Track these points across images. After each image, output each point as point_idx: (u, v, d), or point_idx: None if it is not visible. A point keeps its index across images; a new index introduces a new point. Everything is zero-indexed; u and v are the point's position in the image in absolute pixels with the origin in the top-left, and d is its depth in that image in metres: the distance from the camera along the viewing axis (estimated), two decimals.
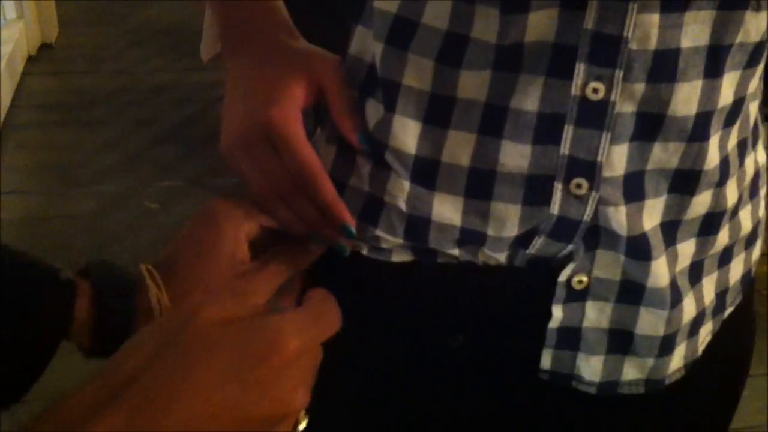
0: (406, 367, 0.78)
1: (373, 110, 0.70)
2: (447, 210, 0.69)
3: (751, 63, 0.68)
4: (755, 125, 0.76)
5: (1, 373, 0.61)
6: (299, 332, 0.50)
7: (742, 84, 0.69)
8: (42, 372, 0.63)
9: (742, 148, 0.74)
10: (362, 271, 0.75)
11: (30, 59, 3.46)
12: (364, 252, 0.74)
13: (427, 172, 0.68)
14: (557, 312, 0.72)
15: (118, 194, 2.73)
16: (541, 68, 0.64)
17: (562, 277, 0.71)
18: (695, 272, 0.74)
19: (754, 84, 0.71)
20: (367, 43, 0.71)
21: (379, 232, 0.72)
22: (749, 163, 0.76)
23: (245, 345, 0.47)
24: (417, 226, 0.70)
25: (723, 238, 0.75)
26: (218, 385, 0.46)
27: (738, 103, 0.69)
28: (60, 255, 2.39)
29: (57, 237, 2.53)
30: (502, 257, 0.71)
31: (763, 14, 0.65)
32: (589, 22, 0.62)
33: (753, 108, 0.74)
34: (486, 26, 0.64)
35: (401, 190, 0.70)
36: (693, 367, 0.78)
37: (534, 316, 0.73)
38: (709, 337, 0.79)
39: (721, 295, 0.78)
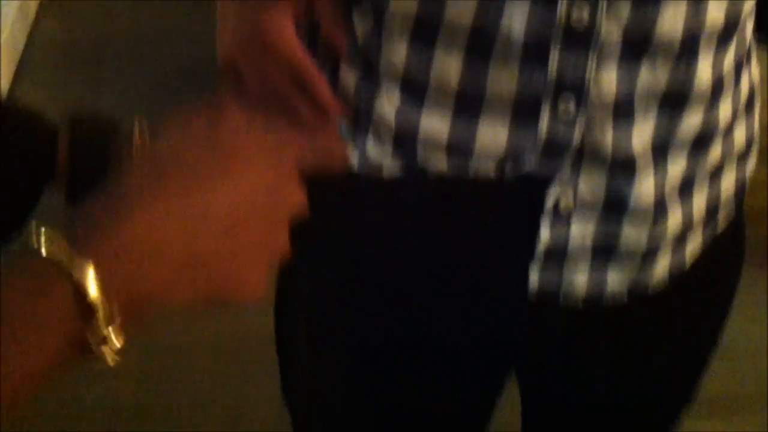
0: (397, 285, 0.80)
1: (361, 28, 0.71)
2: (435, 125, 0.71)
3: None
4: (749, 43, 0.76)
5: None
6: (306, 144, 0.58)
7: (734, 4, 0.69)
8: (30, 212, 0.66)
9: (739, 67, 0.75)
10: (352, 189, 0.77)
11: (42, 4, 3.46)
12: (354, 168, 0.75)
13: (415, 91, 0.70)
14: (544, 234, 0.73)
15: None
16: None
17: (549, 199, 0.72)
18: (686, 188, 0.76)
19: (749, 5, 0.71)
20: None
21: (369, 147, 0.74)
22: (745, 81, 0.77)
23: (263, 145, 0.53)
24: (405, 140, 0.72)
25: (715, 155, 0.76)
26: (245, 178, 0.51)
27: (731, 24, 0.70)
28: None
29: None
30: (491, 170, 0.72)
31: None
32: None
33: (749, 27, 0.74)
34: None
35: (391, 105, 0.71)
36: (680, 279, 0.80)
37: (522, 239, 0.74)
38: (698, 251, 0.80)
39: (713, 210, 0.79)
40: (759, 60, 0.80)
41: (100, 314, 0.44)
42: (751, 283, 1.67)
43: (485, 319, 0.81)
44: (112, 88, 2.98)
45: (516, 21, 0.65)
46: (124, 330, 0.46)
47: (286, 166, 0.54)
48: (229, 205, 0.49)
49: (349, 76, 0.74)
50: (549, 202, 0.72)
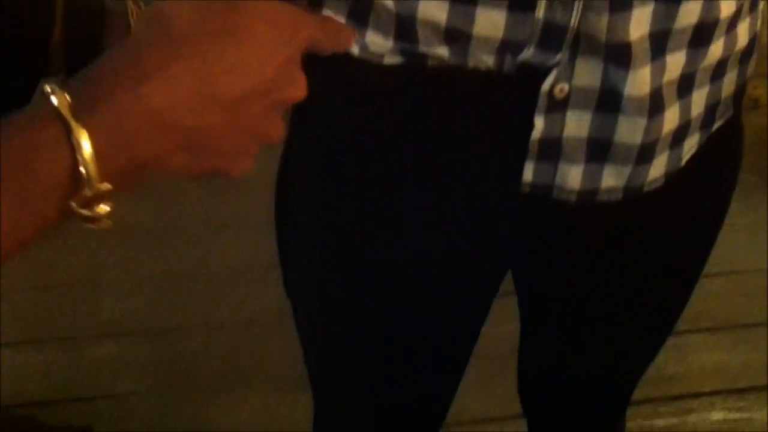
0: (392, 175, 0.80)
1: None
2: (433, 10, 0.70)
3: None
4: None
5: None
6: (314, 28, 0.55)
7: None
8: (28, 93, 0.66)
9: None
10: (353, 74, 0.76)
11: None
12: (356, 53, 0.75)
13: None
14: (539, 122, 0.73)
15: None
16: None
17: (545, 86, 0.72)
18: (685, 84, 0.75)
19: None
20: None
21: (369, 34, 0.73)
22: None
23: (274, 24, 0.51)
24: (405, 26, 0.72)
25: (717, 50, 0.75)
26: (256, 57, 0.50)
27: None
28: None
29: None
30: (490, 61, 0.72)
31: None
32: None
33: None
34: None
35: None
36: (676, 177, 0.80)
37: (518, 129, 0.74)
38: (694, 149, 0.80)
39: (712, 108, 0.79)
40: None
41: (92, 176, 0.45)
42: (758, 203, 1.66)
43: (480, 214, 0.82)
44: None
45: None
46: (112, 195, 0.46)
47: (297, 47, 0.53)
48: (238, 78, 0.49)
49: None
50: (544, 87, 0.72)
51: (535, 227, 0.83)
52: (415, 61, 0.74)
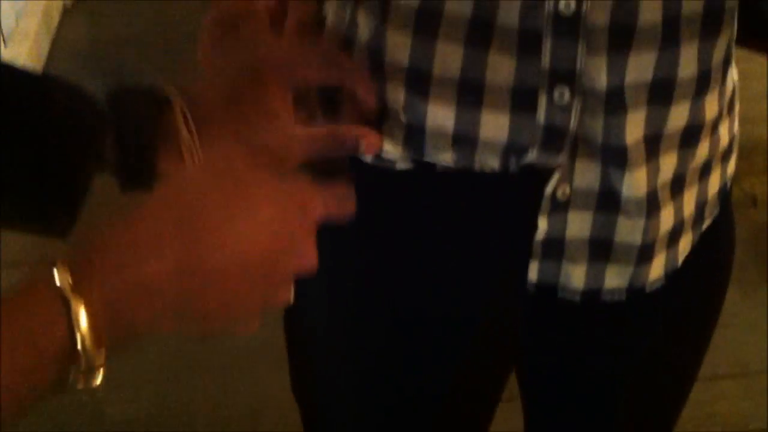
0: (400, 278, 0.83)
1: (367, 23, 0.74)
2: (440, 117, 0.73)
3: None
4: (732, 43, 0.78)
5: (46, 202, 0.63)
6: (325, 202, 0.57)
7: None
8: (82, 203, 0.64)
9: (726, 64, 0.77)
10: (363, 179, 0.78)
11: (66, 11, 3.49)
12: (369, 160, 0.78)
13: (420, 82, 0.73)
14: (542, 224, 0.76)
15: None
16: None
17: (548, 188, 0.74)
18: (677, 185, 0.78)
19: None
20: None
21: (383, 142, 0.76)
22: (730, 80, 0.79)
23: (282, 204, 0.53)
24: (414, 135, 0.75)
25: (703, 151, 0.78)
26: (257, 235, 0.52)
27: (713, 14, 0.71)
28: None
29: None
30: (495, 163, 0.74)
31: None
32: None
33: (734, 25, 0.75)
34: None
35: (398, 100, 0.74)
36: (673, 277, 0.82)
37: (522, 230, 0.77)
38: (688, 249, 0.83)
39: (701, 207, 0.82)
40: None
41: (88, 346, 0.47)
42: (760, 301, 1.64)
43: (486, 315, 0.84)
44: None
45: (510, 12, 0.68)
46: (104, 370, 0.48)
47: (304, 222, 0.54)
48: (226, 250, 0.50)
49: None
50: (548, 190, 0.74)
51: (540, 327, 0.85)
52: (424, 165, 0.76)
